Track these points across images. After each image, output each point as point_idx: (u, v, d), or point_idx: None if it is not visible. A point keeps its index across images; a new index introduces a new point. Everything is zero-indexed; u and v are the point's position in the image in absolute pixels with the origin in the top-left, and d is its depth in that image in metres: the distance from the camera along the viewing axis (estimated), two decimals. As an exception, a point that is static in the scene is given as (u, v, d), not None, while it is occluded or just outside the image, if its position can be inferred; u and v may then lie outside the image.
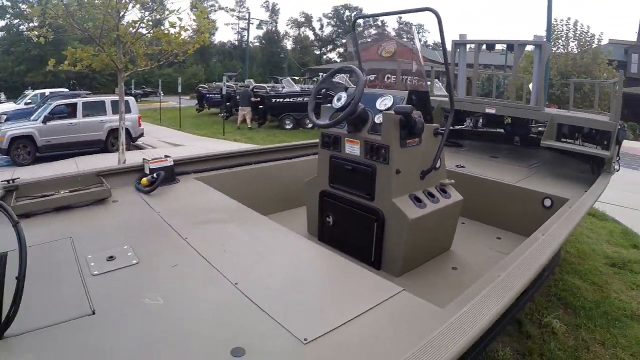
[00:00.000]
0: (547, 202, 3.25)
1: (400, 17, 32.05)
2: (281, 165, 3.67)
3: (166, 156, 2.94)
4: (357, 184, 2.64)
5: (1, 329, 1.31)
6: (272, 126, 17.43)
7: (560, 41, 20.53)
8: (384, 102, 2.55)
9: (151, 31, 7.94)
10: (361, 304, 1.53)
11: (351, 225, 2.70)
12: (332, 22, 62.12)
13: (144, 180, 2.82)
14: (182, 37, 7.89)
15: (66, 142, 11.75)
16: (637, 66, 29.31)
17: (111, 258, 1.88)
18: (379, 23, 4.01)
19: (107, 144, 12.39)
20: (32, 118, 11.99)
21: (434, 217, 2.56)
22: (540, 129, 4.83)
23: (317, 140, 2.91)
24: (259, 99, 17.05)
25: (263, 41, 58.52)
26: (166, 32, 7.69)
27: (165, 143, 14.15)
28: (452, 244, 2.96)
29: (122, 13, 7.44)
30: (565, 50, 20.34)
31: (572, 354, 3.00)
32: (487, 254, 2.99)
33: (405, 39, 3.60)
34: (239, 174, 3.33)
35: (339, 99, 2.58)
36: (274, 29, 60.35)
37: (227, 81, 18.47)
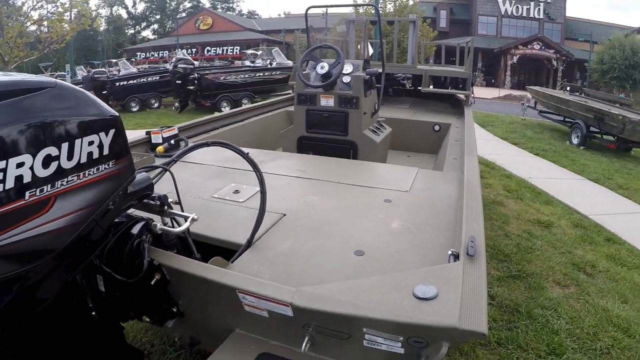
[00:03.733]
0: (437, 128, 4.49)
1: None
2: (254, 122, 4.33)
3: (169, 127, 3.13)
4: (333, 126, 3.45)
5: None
6: (117, 110, 16.18)
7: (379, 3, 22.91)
8: (346, 68, 3.38)
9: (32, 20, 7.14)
10: (408, 174, 2.49)
11: (331, 156, 3.36)
12: (145, -1, 57.87)
13: (160, 148, 2.93)
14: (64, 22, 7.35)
15: None
16: (445, 21, 35.53)
17: (237, 192, 2.20)
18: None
19: None
20: None
21: (384, 141, 3.57)
22: (402, 81, 5.91)
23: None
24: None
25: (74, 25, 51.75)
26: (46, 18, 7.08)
27: None
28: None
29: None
30: (383, 11, 22.85)
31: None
32: (407, 164, 4.03)
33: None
34: (226, 133, 3.77)
35: (322, 67, 3.32)
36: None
37: (46, 70, 16.55)
